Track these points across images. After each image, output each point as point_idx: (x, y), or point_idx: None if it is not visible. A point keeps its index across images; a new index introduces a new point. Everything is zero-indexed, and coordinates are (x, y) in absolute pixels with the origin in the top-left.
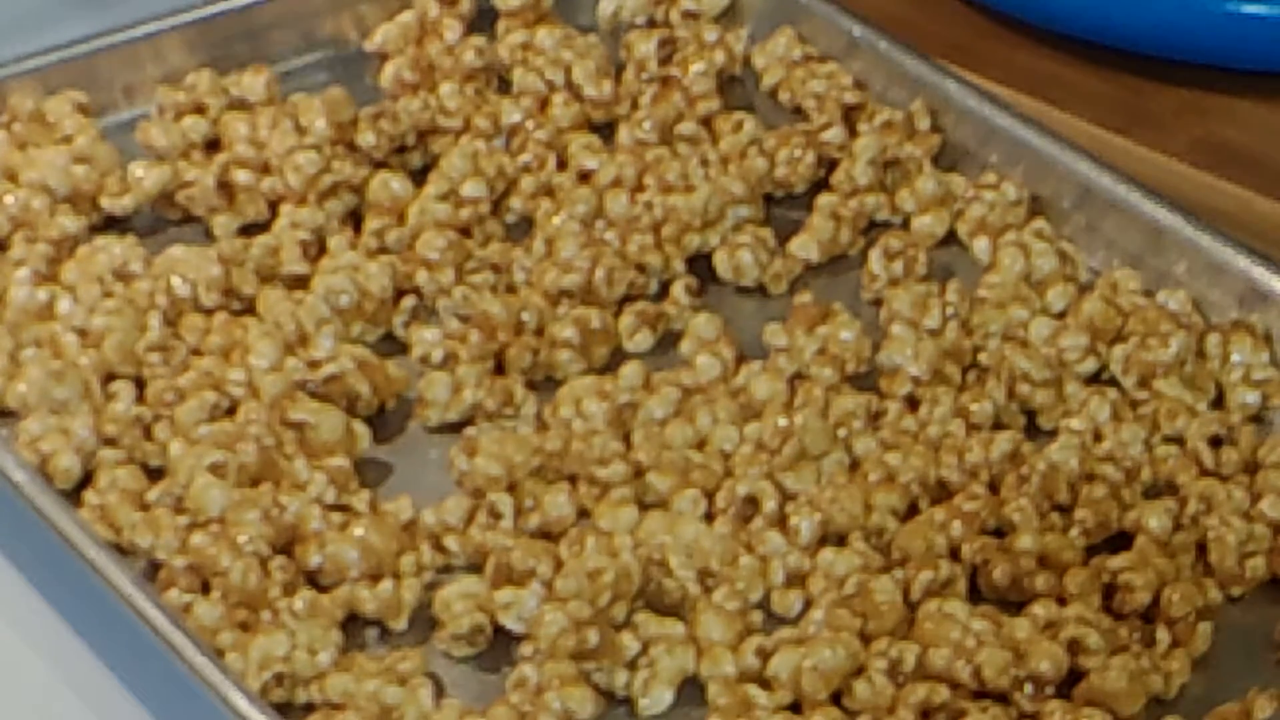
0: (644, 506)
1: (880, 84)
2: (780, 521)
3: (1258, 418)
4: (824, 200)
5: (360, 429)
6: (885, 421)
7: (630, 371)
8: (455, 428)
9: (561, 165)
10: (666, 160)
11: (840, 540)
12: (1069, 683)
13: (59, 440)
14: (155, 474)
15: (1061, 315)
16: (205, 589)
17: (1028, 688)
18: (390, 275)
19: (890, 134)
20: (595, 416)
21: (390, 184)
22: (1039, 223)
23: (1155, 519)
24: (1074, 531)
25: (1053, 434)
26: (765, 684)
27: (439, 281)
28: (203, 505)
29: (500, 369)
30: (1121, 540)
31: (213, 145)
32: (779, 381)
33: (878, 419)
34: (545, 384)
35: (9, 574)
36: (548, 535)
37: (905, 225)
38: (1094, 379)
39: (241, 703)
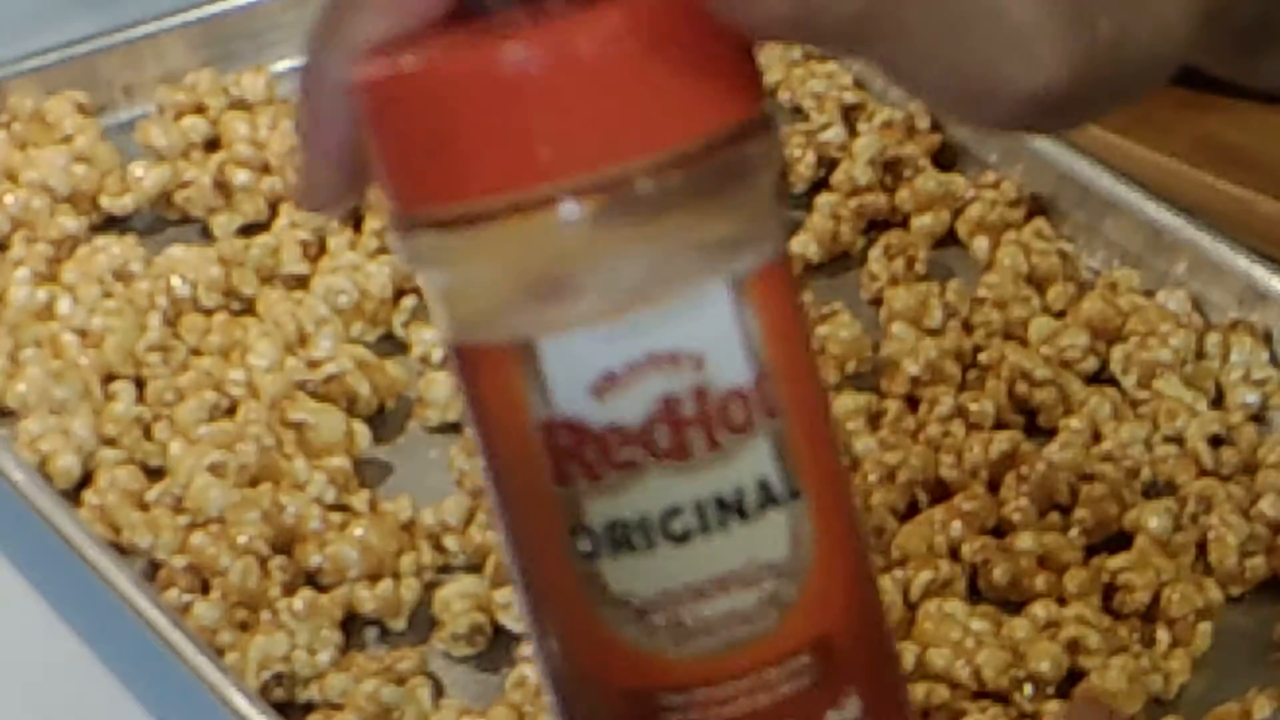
0: None
1: (880, 84)
2: None
3: (1258, 418)
4: (824, 200)
5: (360, 429)
6: (885, 421)
7: None
8: (455, 428)
9: None
10: None
11: None
12: (1069, 683)
13: (59, 440)
14: (155, 474)
15: (1061, 315)
16: (205, 589)
17: (1028, 688)
18: (390, 275)
19: (890, 134)
20: None
21: None
22: (1039, 223)
23: (1155, 519)
24: (1074, 531)
25: (1053, 434)
26: None
27: None
28: (202, 505)
29: None
30: (1121, 540)
31: (213, 145)
32: None
33: (878, 419)
34: None
35: (9, 574)
36: None
37: (905, 225)
38: (1094, 379)
39: (241, 702)
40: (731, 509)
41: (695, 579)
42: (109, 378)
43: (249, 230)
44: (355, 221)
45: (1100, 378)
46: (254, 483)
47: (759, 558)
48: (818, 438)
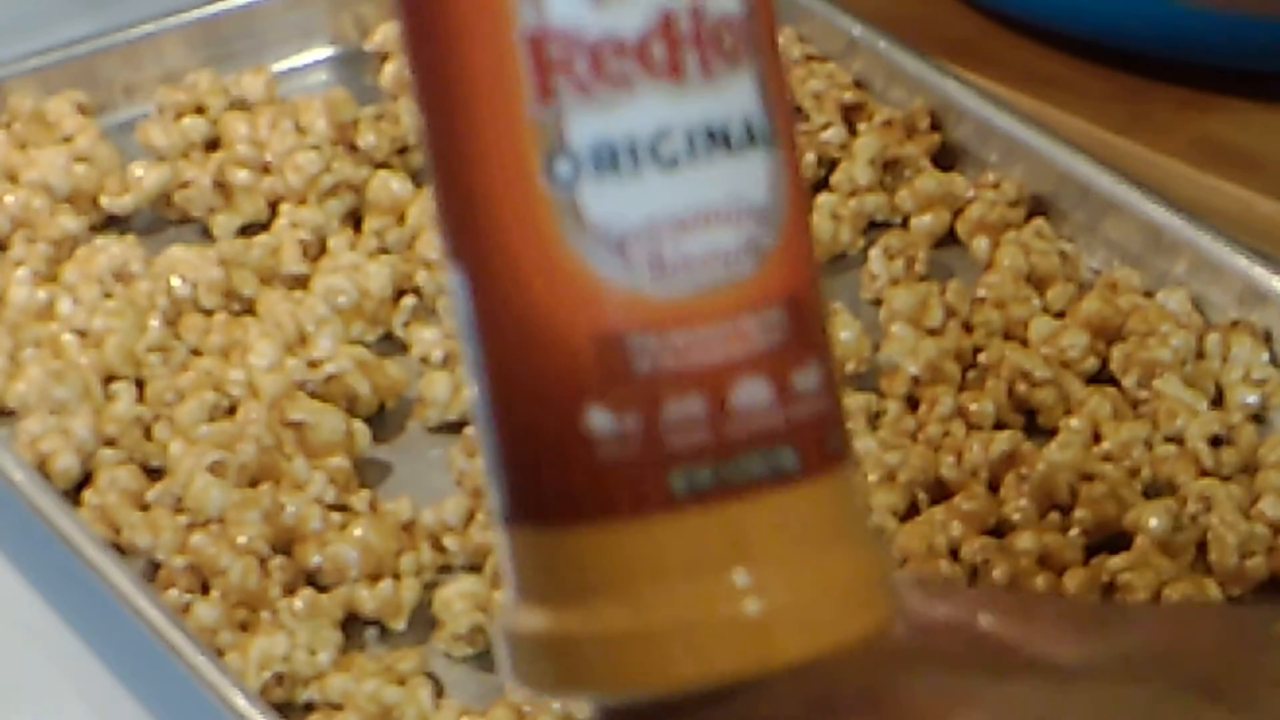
0: None
1: (880, 84)
2: None
3: (1258, 418)
4: (824, 200)
5: (360, 429)
6: (885, 421)
7: None
8: (455, 428)
9: None
10: None
11: None
12: None
13: (59, 440)
14: (155, 474)
15: (1061, 315)
16: (205, 589)
17: None
18: (390, 275)
19: (890, 134)
20: None
21: (390, 184)
22: (1039, 223)
23: (1155, 519)
24: (1074, 531)
25: (1053, 434)
26: None
27: (439, 281)
28: (202, 505)
29: None
30: (1121, 540)
31: (213, 145)
32: None
33: (877, 419)
34: None
35: (9, 574)
36: None
37: (905, 225)
38: (1094, 379)
39: (241, 703)
40: (719, 140)
41: (680, 209)
42: (109, 378)
43: (249, 230)
44: (355, 221)
45: (1100, 378)
46: (254, 483)
47: (742, 195)
48: (786, 94)
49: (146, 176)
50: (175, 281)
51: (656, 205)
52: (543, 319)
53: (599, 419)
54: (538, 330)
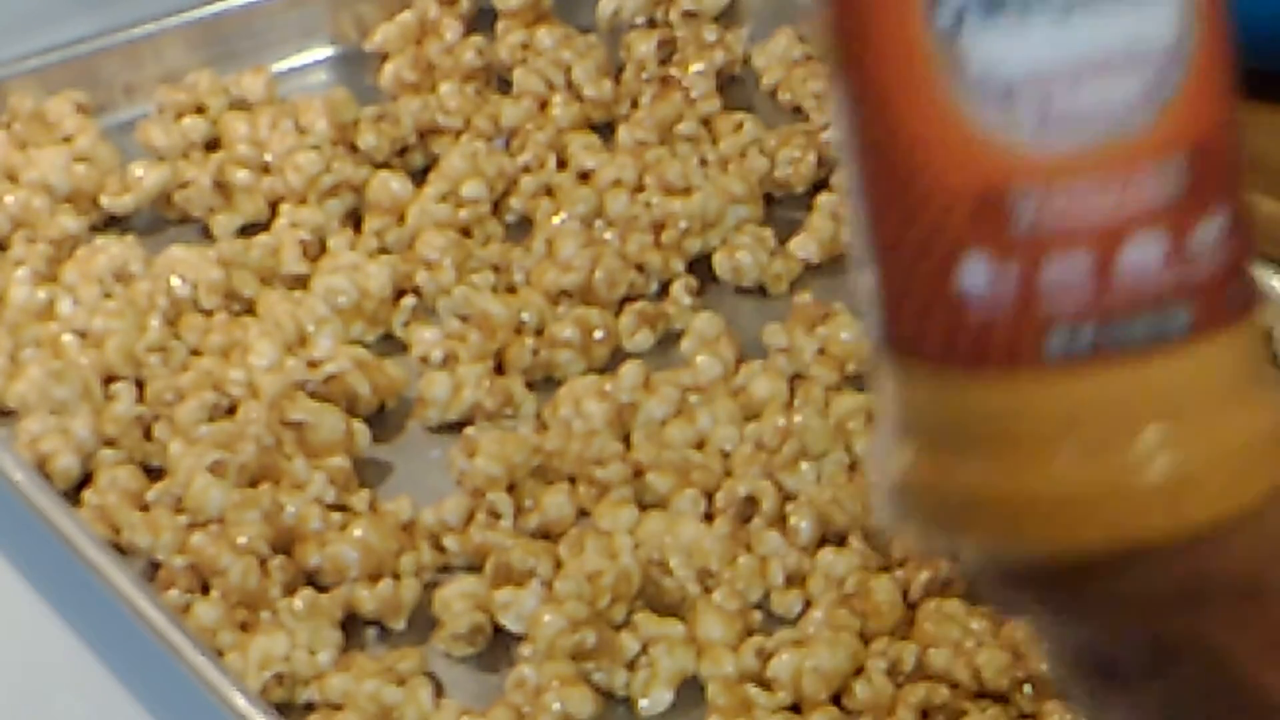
0: (644, 506)
1: None
2: (780, 521)
3: None
4: (824, 200)
5: (360, 429)
6: None
7: (630, 371)
8: (455, 428)
9: (561, 165)
10: (666, 160)
11: (840, 540)
12: None
13: (59, 440)
14: (155, 474)
15: None
16: (205, 589)
17: (1027, 688)
18: (390, 275)
19: None
20: (595, 416)
21: (390, 184)
22: None
23: None
24: None
25: None
26: (765, 684)
27: (439, 281)
28: (202, 505)
29: (500, 369)
30: None
31: (213, 145)
32: (779, 381)
33: None
34: (545, 384)
35: (9, 574)
36: (547, 535)
37: None
38: None
39: (241, 703)
40: None
41: (1073, 57)
42: (109, 378)
43: (249, 230)
44: (355, 221)
45: None
46: (254, 483)
47: (1143, 37)
48: None
49: (146, 176)
50: (175, 281)
51: (1047, 52)
52: (920, 167)
53: (974, 272)
54: (914, 177)
